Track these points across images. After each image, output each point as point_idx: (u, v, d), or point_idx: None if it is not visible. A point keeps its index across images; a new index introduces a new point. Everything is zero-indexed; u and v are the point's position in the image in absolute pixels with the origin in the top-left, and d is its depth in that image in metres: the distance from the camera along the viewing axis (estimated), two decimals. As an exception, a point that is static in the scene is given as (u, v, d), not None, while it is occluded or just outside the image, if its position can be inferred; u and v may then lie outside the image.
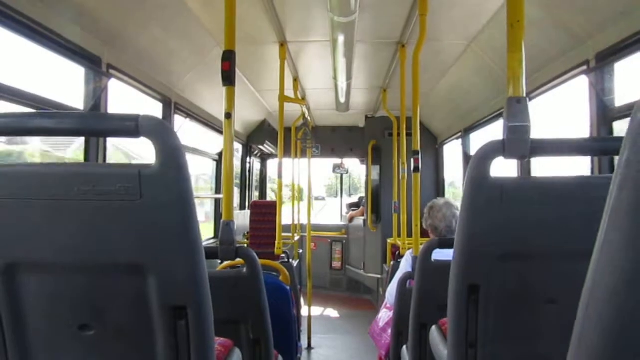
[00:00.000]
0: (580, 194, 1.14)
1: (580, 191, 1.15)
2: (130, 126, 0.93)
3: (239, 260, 1.96)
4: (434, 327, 1.84)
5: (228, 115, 2.08)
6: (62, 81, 2.71)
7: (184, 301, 1.00)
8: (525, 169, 3.32)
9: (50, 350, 1.06)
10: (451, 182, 6.53)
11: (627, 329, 0.44)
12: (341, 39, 3.20)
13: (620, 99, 2.47)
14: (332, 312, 6.90)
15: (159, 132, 0.93)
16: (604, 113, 2.48)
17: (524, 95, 1.35)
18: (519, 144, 1.18)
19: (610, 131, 2.48)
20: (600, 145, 1.33)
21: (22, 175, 0.95)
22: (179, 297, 1.00)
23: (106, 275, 1.01)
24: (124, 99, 3.23)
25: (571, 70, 2.72)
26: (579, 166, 2.75)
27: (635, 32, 2.16)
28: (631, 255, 0.43)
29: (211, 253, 1.90)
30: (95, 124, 1.00)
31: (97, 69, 2.61)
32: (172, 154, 0.93)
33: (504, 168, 1.20)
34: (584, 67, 2.57)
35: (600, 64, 2.45)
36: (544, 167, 3.38)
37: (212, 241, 5.17)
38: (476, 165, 1.15)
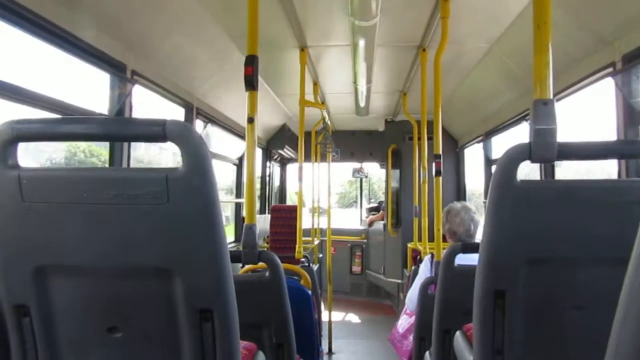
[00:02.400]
0: (608, 198, 1.12)
1: (608, 195, 1.12)
2: (158, 131, 0.94)
3: (261, 264, 1.96)
4: (458, 332, 1.82)
5: (251, 120, 2.09)
6: (88, 87, 2.77)
7: (210, 304, 1.01)
8: (548, 172, 3.26)
9: (79, 353, 1.08)
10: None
11: None
12: (362, 43, 3.20)
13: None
14: (353, 317, 6.87)
15: (185, 136, 0.94)
16: (631, 115, 2.43)
17: (551, 97, 1.33)
18: (546, 147, 1.16)
19: (637, 134, 2.43)
20: (629, 148, 1.30)
21: (53, 179, 0.97)
22: (205, 300, 1.01)
23: (134, 278, 1.03)
24: (147, 104, 3.28)
25: (597, 72, 2.67)
26: (601, 169, 2.70)
27: None
28: None
29: (234, 257, 1.91)
30: (123, 129, 1.01)
31: (122, 75, 2.66)
32: (198, 158, 0.94)
33: (524, 171, 1.19)
34: (610, 69, 2.52)
35: (627, 65, 2.40)
36: (564, 171, 3.33)
37: (232, 245, 5.20)
38: (502, 169, 1.14)
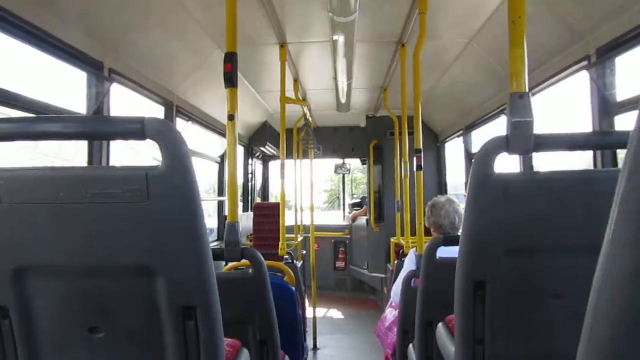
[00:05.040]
0: (584, 188, 1.14)
1: (584, 185, 1.15)
2: (136, 128, 0.94)
3: (244, 261, 1.96)
4: (440, 324, 1.84)
5: (231, 117, 2.09)
6: (65, 86, 2.73)
7: (193, 302, 1.00)
8: (527, 164, 3.32)
9: (60, 353, 1.06)
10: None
11: (638, 323, 0.44)
12: (341, 39, 3.21)
13: (622, 93, 2.47)
14: (337, 313, 6.91)
15: (164, 134, 0.94)
16: (606, 108, 2.48)
17: (527, 90, 1.35)
18: (523, 140, 1.18)
19: (612, 125, 2.49)
20: (604, 140, 1.33)
21: (31, 179, 0.96)
22: (188, 297, 1.00)
23: (115, 277, 1.02)
24: (126, 103, 3.24)
25: (572, 65, 2.72)
26: (579, 160, 2.75)
27: (635, 27, 2.16)
28: None
29: (217, 254, 1.90)
30: (101, 127, 1.00)
31: (100, 73, 2.62)
32: (178, 155, 0.94)
33: (504, 163, 1.20)
34: (585, 63, 2.57)
35: (601, 59, 2.45)
36: (543, 162, 3.38)
37: (215, 243, 5.17)
38: (480, 162, 1.16)
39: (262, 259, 1.85)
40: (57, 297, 1.04)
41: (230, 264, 2.68)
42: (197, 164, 5.19)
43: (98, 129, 1.00)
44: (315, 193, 6.07)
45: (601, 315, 0.47)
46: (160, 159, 0.95)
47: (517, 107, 1.26)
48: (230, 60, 2.07)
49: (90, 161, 2.69)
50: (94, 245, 0.98)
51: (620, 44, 2.31)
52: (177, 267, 0.99)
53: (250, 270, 1.86)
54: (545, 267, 1.22)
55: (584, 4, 2.41)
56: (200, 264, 0.99)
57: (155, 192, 0.93)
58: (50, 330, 1.05)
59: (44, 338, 1.05)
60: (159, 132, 0.94)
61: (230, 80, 2.08)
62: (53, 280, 1.02)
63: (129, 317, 1.04)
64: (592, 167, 2.53)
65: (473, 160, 1.18)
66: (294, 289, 2.70)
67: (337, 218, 11.08)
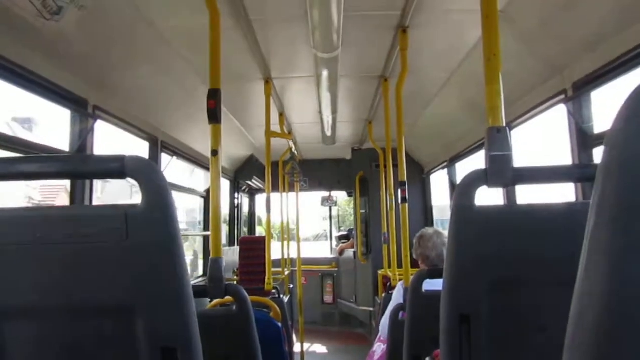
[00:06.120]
0: (565, 220, 1.16)
1: (565, 217, 1.16)
2: (116, 167, 0.93)
3: (228, 297, 1.93)
4: (427, 359, 1.82)
5: (214, 153, 2.09)
6: (48, 124, 2.72)
7: (174, 343, 0.98)
8: (510, 196, 3.35)
9: None
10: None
11: (612, 356, 0.44)
12: (325, 74, 3.27)
13: (599, 126, 2.54)
14: (325, 348, 6.78)
15: (144, 172, 0.94)
16: (584, 140, 2.53)
17: (504, 124, 1.38)
18: (501, 173, 1.20)
19: (591, 157, 2.53)
20: (581, 172, 1.35)
21: (6, 220, 0.94)
22: (168, 338, 0.98)
23: (93, 319, 0.99)
24: (112, 138, 3.24)
25: (550, 99, 2.79)
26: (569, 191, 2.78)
27: (608, 62, 2.23)
28: (613, 285, 0.44)
29: (200, 291, 1.88)
30: (80, 166, 1.00)
31: (83, 110, 2.62)
32: (158, 194, 0.93)
33: (491, 195, 1.22)
34: (562, 96, 2.64)
35: (577, 92, 2.52)
36: (534, 192, 3.42)
37: (202, 279, 5.10)
38: (460, 195, 1.17)
39: (246, 294, 1.83)
40: (34, 340, 1.01)
41: (215, 300, 2.64)
42: (187, 197, 5.18)
43: (77, 168, 1.00)
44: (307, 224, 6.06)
45: (577, 352, 0.47)
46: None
47: (495, 141, 1.29)
48: (214, 96, 2.10)
49: (72, 199, 2.66)
50: (71, 286, 0.96)
51: (595, 78, 2.38)
52: (157, 307, 0.97)
53: (234, 307, 1.84)
54: (530, 300, 1.22)
55: (560, 39, 2.49)
56: (180, 303, 0.97)
57: (135, 231, 0.93)
58: None
59: None
60: (139, 171, 0.93)
61: (214, 116, 2.10)
62: (29, 322, 0.99)
63: (107, 359, 1.02)
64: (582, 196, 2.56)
65: (454, 193, 1.20)
66: (279, 324, 2.66)
67: (324, 249, 11.03)
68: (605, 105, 2.56)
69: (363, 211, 7.26)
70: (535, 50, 2.70)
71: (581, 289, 0.47)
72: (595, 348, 0.45)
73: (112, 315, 0.99)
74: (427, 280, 2.12)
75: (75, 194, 2.64)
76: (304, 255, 6.05)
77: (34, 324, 1.00)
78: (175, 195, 5.09)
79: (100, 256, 0.94)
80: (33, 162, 0.99)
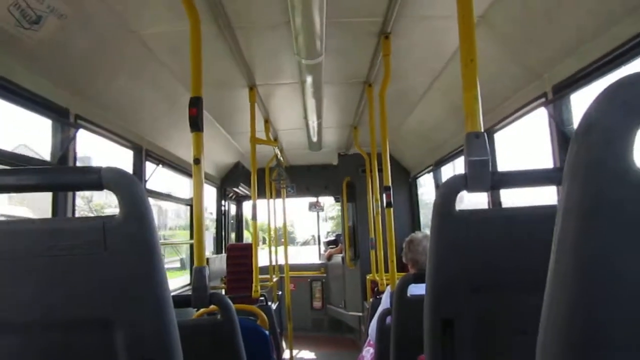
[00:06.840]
0: (545, 223, 1.16)
1: (545, 220, 1.17)
2: (93, 179, 0.93)
3: (214, 306, 1.92)
4: None
5: (197, 161, 2.09)
6: (29, 133, 2.69)
7: (153, 354, 0.97)
8: (495, 200, 3.38)
9: None
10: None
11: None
12: (309, 80, 3.27)
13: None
14: (315, 354, 6.76)
15: (121, 183, 0.93)
16: (564, 142, 2.56)
17: (482, 130, 1.40)
18: (480, 178, 1.21)
19: None
20: (561, 175, 1.36)
21: None
22: (147, 350, 0.97)
23: (73, 331, 0.98)
24: (97, 147, 3.20)
25: (530, 102, 2.82)
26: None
27: (586, 65, 2.27)
28: (579, 287, 0.44)
29: (184, 301, 1.86)
30: (57, 179, 0.99)
31: (65, 120, 2.60)
32: (135, 205, 0.93)
33: (478, 195, 1.23)
34: (543, 100, 2.67)
35: (557, 95, 2.55)
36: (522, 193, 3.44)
37: (187, 288, 5.06)
38: (441, 200, 1.18)
39: (230, 303, 1.82)
40: (11, 354, 0.99)
41: (201, 310, 2.62)
42: (170, 206, 5.13)
43: (54, 180, 0.99)
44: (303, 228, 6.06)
45: (547, 356, 0.48)
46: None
47: (473, 146, 1.30)
48: (195, 104, 2.09)
49: (54, 211, 2.62)
50: (49, 299, 0.95)
51: (574, 81, 2.41)
52: (137, 318, 0.96)
53: (219, 316, 1.83)
54: (511, 303, 1.22)
55: (540, 44, 2.52)
56: (160, 314, 0.97)
57: (113, 243, 0.92)
58: None
59: None
60: (116, 182, 0.93)
61: (196, 124, 2.09)
62: (6, 336, 0.98)
63: None
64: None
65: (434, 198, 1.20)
66: (267, 332, 2.65)
67: (313, 255, 11.02)
68: (585, 108, 2.59)
69: (350, 216, 7.27)
70: (515, 54, 2.73)
71: (550, 294, 0.48)
72: (564, 349, 0.46)
73: (91, 328, 0.98)
74: (415, 285, 2.12)
75: (57, 205, 2.61)
76: (293, 261, 6.04)
77: (11, 338, 0.99)
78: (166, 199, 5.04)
79: (79, 268, 0.93)
80: (9, 174, 0.98)
